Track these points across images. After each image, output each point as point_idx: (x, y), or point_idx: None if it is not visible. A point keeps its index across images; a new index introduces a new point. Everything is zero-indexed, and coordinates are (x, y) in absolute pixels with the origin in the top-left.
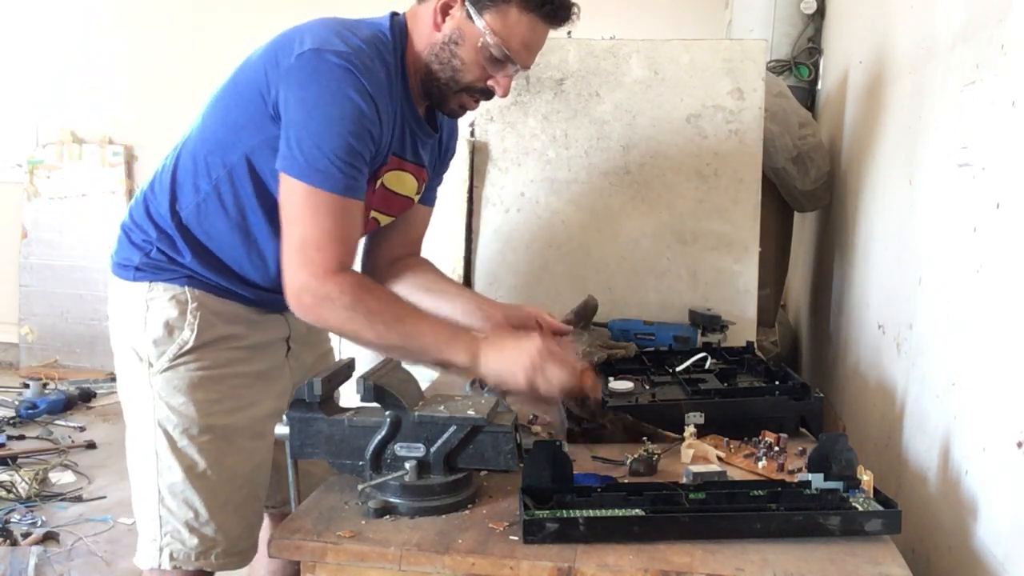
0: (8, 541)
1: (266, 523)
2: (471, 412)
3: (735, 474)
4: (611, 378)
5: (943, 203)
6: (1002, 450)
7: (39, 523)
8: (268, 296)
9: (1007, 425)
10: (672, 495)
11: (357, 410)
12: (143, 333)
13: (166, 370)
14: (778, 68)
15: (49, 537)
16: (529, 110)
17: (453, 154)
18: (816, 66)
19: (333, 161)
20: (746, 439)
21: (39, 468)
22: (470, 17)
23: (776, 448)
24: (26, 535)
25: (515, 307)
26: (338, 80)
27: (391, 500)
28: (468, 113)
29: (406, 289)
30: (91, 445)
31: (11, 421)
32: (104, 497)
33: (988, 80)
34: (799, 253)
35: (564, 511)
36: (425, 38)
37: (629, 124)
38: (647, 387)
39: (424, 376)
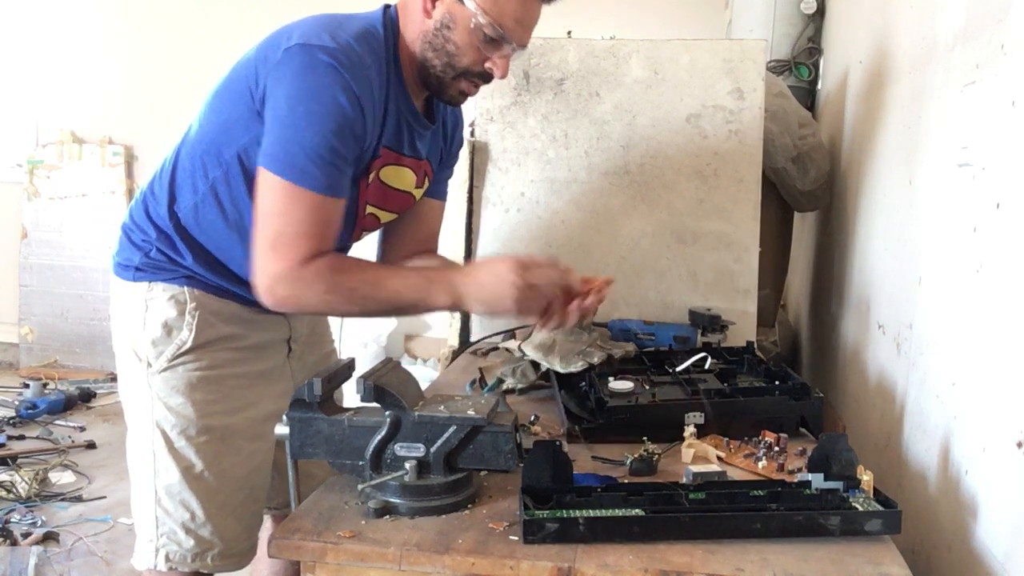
0: (8, 541)
1: (269, 524)
2: (471, 412)
3: (735, 474)
4: (611, 378)
5: (943, 203)
6: (1002, 450)
7: (39, 523)
8: None
9: (1007, 425)
10: (672, 495)
11: (357, 410)
12: (142, 333)
13: (164, 370)
14: (778, 68)
15: (49, 537)
16: (529, 110)
17: (461, 144)
18: (816, 66)
19: (313, 159)
20: (746, 439)
21: (39, 468)
22: (460, 0)
23: (776, 448)
24: (26, 535)
25: None
26: (322, 77)
27: (391, 500)
28: (469, 99)
29: None
30: (91, 445)
31: (11, 421)
32: (104, 497)
33: (988, 80)
34: (799, 253)
35: (564, 511)
36: (417, 27)
37: (629, 124)
38: (647, 387)
39: (424, 376)
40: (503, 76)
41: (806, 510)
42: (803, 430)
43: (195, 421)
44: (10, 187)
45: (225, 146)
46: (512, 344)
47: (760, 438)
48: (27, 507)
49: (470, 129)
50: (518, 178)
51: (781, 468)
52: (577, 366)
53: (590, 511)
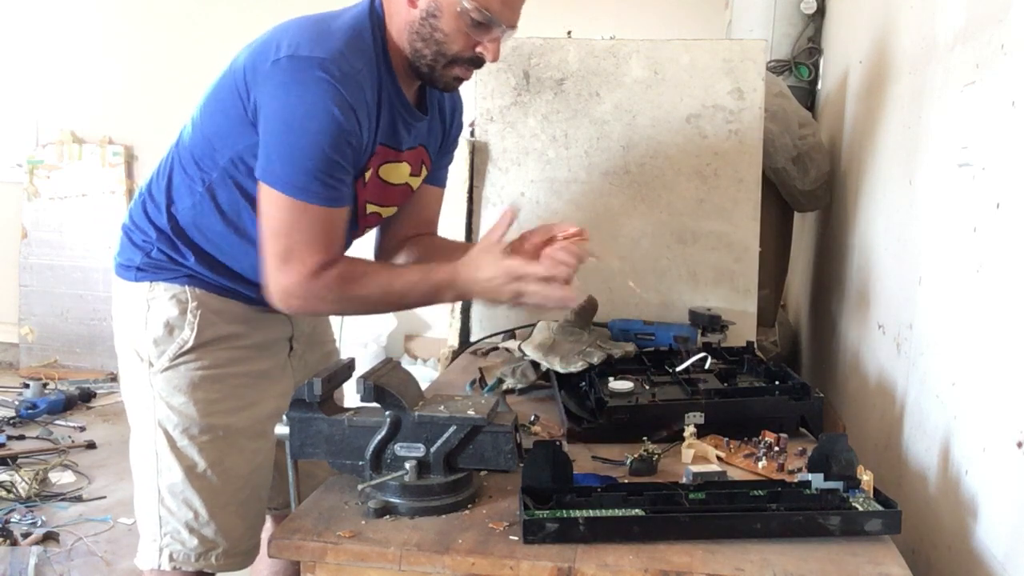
0: (8, 541)
1: (269, 524)
2: (471, 412)
3: (735, 474)
4: (611, 378)
5: (943, 203)
6: (1002, 450)
7: (39, 523)
8: None
9: (1007, 425)
10: (672, 495)
11: (357, 410)
12: (144, 333)
13: (166, 370)
14: (778, 68)
15: (49, 537)
16: (529, 110)
17: (461, 129)
18: (816, 66)
19: (313, 174)
20: (746, 439)
21: (39, 468)
22: None
23: (776, 448)
24: (26, 535)
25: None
26: (314, 91)
27: (391, 500)
28: (469, 99)
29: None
30: (91, 445)
31: (11, 421)
32: (104, 497)
33: (988, 80)
34: (799, 253)
35: (564, 511)
36: (403, 18)
37: (629, 124)
38: (647, 387)
39: (424, 376)
40: (495, 59)
41: (806, 510)
42: (803, 430)
43: (197, 420)
44: (10, 187)
45: (220, 151)
46: (512, 344)
47: (760, 438)
48: (27, 507)
49: (470, 129)
50: (518, 178)
51: (781, 468)
52: (577, 366)
53: (590, 511)
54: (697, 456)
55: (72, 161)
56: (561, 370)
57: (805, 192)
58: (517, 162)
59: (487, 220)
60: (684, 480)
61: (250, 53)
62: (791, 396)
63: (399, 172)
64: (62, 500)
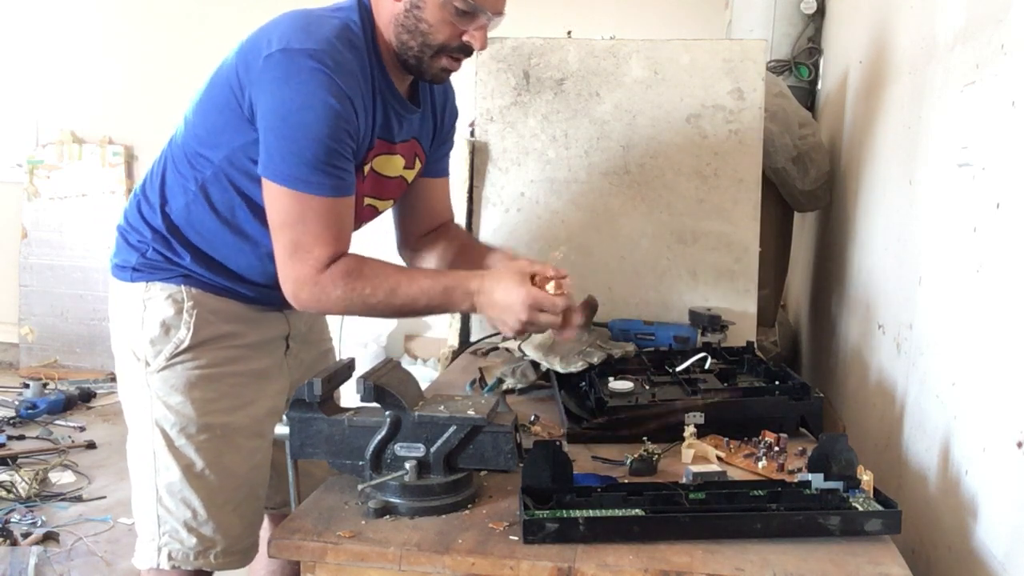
0: (8, 541)
1: (267, 524)
2: (471, 412)
3: (735, 474)
4: (611, 378)
5: (943, 203)
6: (1002, 450)
7: (39, 523)
8: (266, 292)
9: (1007, 425)
10: (672, 495)
11: (357, 410)
12: (140, 333)
13: (163, 369)
14: (778, 68)
15: (49, 537)
16: (529, 110)
17: (455, 117)
18: (816, 66)
19: (315, 166)
20: (746, 439)
21: (39, 468)
22: None
23: (776, 448)
24: (26, 535)
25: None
26: (309, 83)
27: (391, 500)
28: (469, 99)
29: (436, 260)
30: (91, 445)
31: (11, 421)
32: (104, 497)
33: (988, 80)
34: (799, 253)
35: (564, 511)
36: (388, 11)
37: (629, 124)
38: (647, 387)
39: (424, 376)
40: (482, 47)
41: (806, 510)
42: (803, 430)
43: (195, 419)
44: (10, 187)
45: (214, 149)
46: (512, 344)
47: (760, 438)
48: (27, 507)
49: (470, 129)
50: (518, 178)
51: (781, 468)
52: (577, 366)
53: (590, 511)
54: (697, 456)
55: (72, 161)
56: (561, 370)
57: (805, 192)
58: (517, 162)
59: (487, 220)
60: (684, 480)
61: (241, 50)
62: (791, 396)
63: (393, 165)
64: (62, 500)
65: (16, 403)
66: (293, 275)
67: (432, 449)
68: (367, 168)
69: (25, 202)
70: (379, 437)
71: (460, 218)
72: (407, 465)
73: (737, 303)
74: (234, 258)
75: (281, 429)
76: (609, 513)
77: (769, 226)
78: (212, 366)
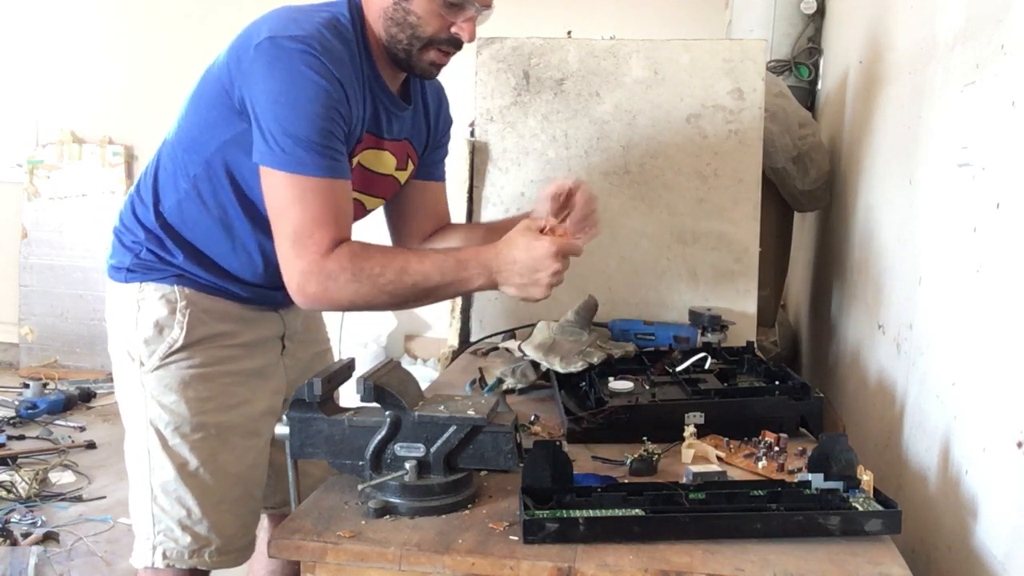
0: (8, 541)
1: (266, 524)
2: (471, 412)
3: (735, 474)
4: (611, 378)
5: (943, 203)
6: (1002, 450)
7: (39, 523)
8: (260, 292)
9: (1007, 425)
10: (672, 495)
11: (357, 410)
12: (135, 333)
13: (157, 369)
14: (778, 68)
15: (49, 537)
16: (529, 110)
17: (449, 123)
18: (816, 66)
19: (309, 146)
20: (746, 439)
21: (39, 468)
22: None
23: (776, 448)
24: (26, 535)
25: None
26: (298, 64)
27: (391, 500)
28: (469, 99)
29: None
30: (91, 445)
31: (11, 421)
32: (104, 497)
33: (988, 80)
34: (799, 253)
35: (564, 511)
36: (378, 5)
37: (629, 124)
38: (647, 387)
39: (424, 376)
40: (471, 39)
41: (806, 510)
42: (803, 430)
43: (188, 418)
44: (10, 187)
45: (205, 144)
46: (512, 344)
47: (760, 438)
48: (27, 507)
49: (470, 129)
50: (518, 178)
51: (781, 468)
52: (577, 366)
53: (590, 511)
54: (697, 456)
55: (72, 161)
56: (561, 370)
57: (805, 192)
58: (517, 162)
59: (487, 220)
60: (684, 480)
61: (232, 46)
62: (791, 396)
63: (382, 161)
64: (62, 500)
65: (16, 403)
66: (297, 267)
67: (432, 449)
68: (355, 161)
69: (25, 202)
70: (379, 437)
71: (460, 218)
72: (407, 465)
73: (737, 303)
74: (227, 257)
75: (281, 429)
76: (609, 513)
77: (769, 226)
78: (206, 365)
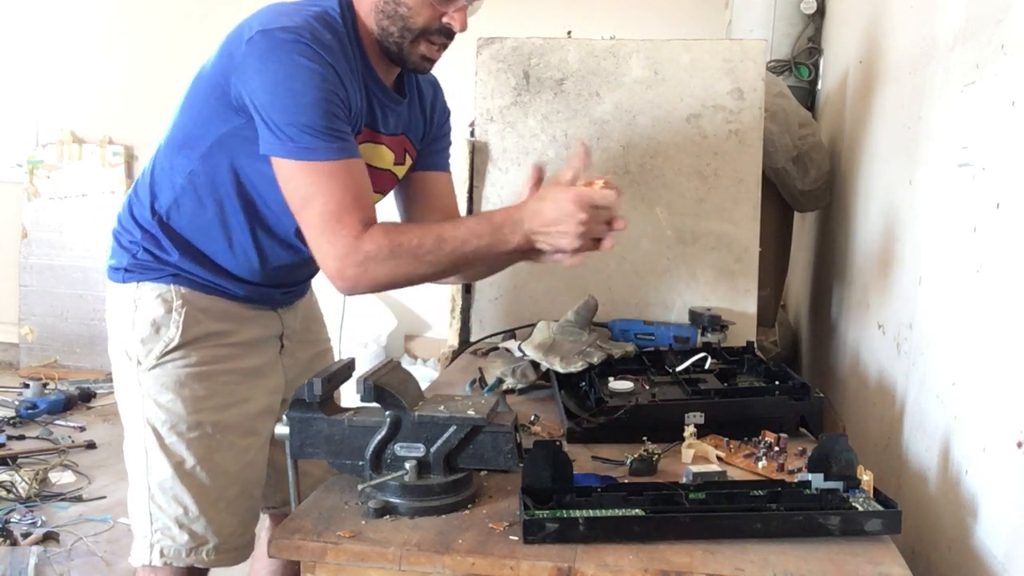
0: (8, 541)
1: (267, 524)
2: (471, 412)
3: (735, 474)
4: (611, 378)
5: (943, 203)
6: (1002, 450)
7: (39, 523)
8: (257, 290)
9: (1007, 425)
10: (672, 495)
11: (357, 410)
12: (132, 332)
13: (154, 368)
14: (778, 68)
15: (49, 537)
16: (529, 110)
17: (447, 115)
18: (816, 66)
19: (314, 132)
20: (746, 439)
21: (39, 468)
22: None
23: (776, 448)
24: (26, 535)
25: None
26: (291, 53)
27: (391, 500)
28: (469, 99)
29: None
30: (91, 445)
31: (11, 421)
32: (104, 497)
33: (988, 80)
34: (799, 253)
35: (564, 511)
36: (368, 0)
37: (629, 124)
38: (647, 387)
39: (424, 376)
40: (462, 28)
41: (806, 510)
42: (803, 430)
43: (185, 417)
44: (10, 187)
45: (200, 140)
46: (512, 344)
47: (760, 438)
48: (27, 507)
49: (470, 129)
50: (518, 178)
51: (781, 468)
52: (577, 366)
53: (590, 511)
54: (697, 456)
55: (72, 161)
56: (561, 370)
57: (805, 192)
58: (517, 162)
59: None
60: (684, 480)
61: (223, 44)
62: (791, 396)
63: (380, 155)
64: (62, 500)
65: (16, 403)
66: (333, 252)
67: (432, 449)
68: None
69: (25, 202)
70: (379, 437)
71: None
72: (407, 465)
73: (737, 303)
74: (223, 254)
75: (281, 429)
76: (609, 513)
77: (769, 226)
78: (202, 364)
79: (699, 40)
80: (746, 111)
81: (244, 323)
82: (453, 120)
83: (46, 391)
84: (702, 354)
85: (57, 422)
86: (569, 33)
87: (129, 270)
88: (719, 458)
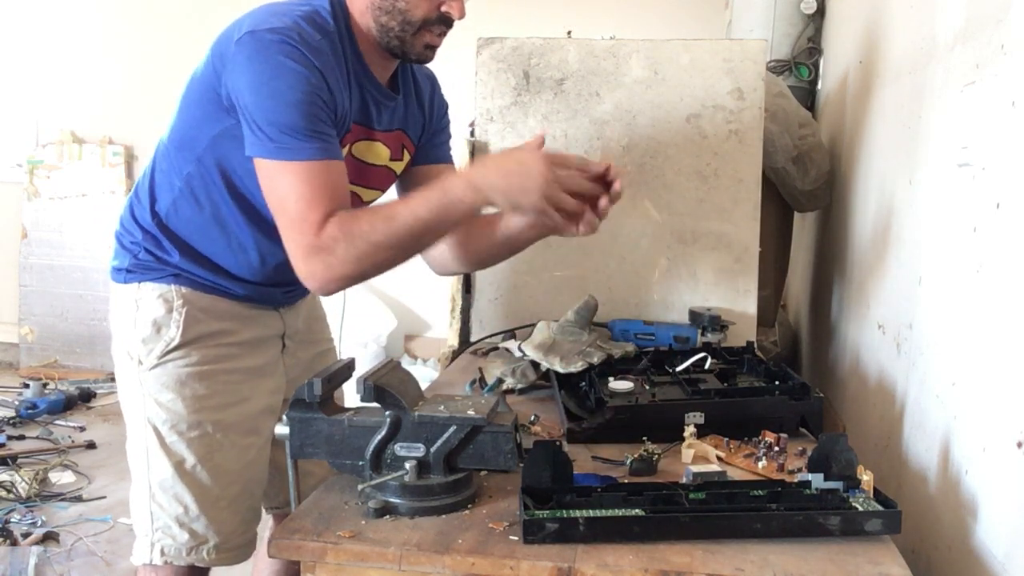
0: (8, 541)
1: (270, 523)
2: (471, 412)
3: (735, 474)
4: (611, 378)
5: (943, 203)
6: (1002, 450)
7: (39, 523)
8: (258, 289)
9: (1007, 425)
10: (672, 495)
11: (357, 410)
12: (133, 332)
13: (155, 367)
14: (778, 68)
15: (49, 537)
16: (529, 110)
17: (446, 107)
18: (816, 66)
19: (293, 132)
20: (746, 439)
21: (39, 468)
22: None
23: (776, 448)
24: (26, 535)
25: None
26: (276, 54)
27: (391, 500)
28: (469, 99)
29: (449, 247)
30: (91, 445)
31: (11, 421)
32: (104, 497)
33: (988, 80)
34: (799, 253)
35: (564, 511)
36: None
37: (629, 124)
38: (647, 387)
39: (424, 376)
40: (460, 16)
41: (806, 510)
42: (803, 430)
43: (185, 416)
44: (10, 187)
45: (196, 141)
46: (512, 344)
47: (760, 438)
48: (27, 507)
49: (470, 129)
50: None
51: (781, 468)
52: (577, 366)
53: (590, 511)
54: (697, 456)
55: (72, 161)
56: (561, 370)
57: (805, 192)
58: None
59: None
60: (684, 480)
61: (215, 44)
62: (791, 396)
63: (375, 152)
64: (62, 500)
65: (16, 403)
66: (298, 253)
67: (432, 449)
68: (345, 151)
69: (25, 202)
70: (379, 437)
71: None
72: (407, 465)
73: (737, 303)
74: (223, 254)
75: (281, 429)
76: (609, 513)
77: (769, 226)
78: (203, 363)
79: (699, 40)
80: (746, 111)
81: (245, 323)
82: (453, 120)
83: (46, 391)
84: (702, 354)
85: (57, 422)
86: (569, 33)
87: (131, 271)
88: (719, 458)
